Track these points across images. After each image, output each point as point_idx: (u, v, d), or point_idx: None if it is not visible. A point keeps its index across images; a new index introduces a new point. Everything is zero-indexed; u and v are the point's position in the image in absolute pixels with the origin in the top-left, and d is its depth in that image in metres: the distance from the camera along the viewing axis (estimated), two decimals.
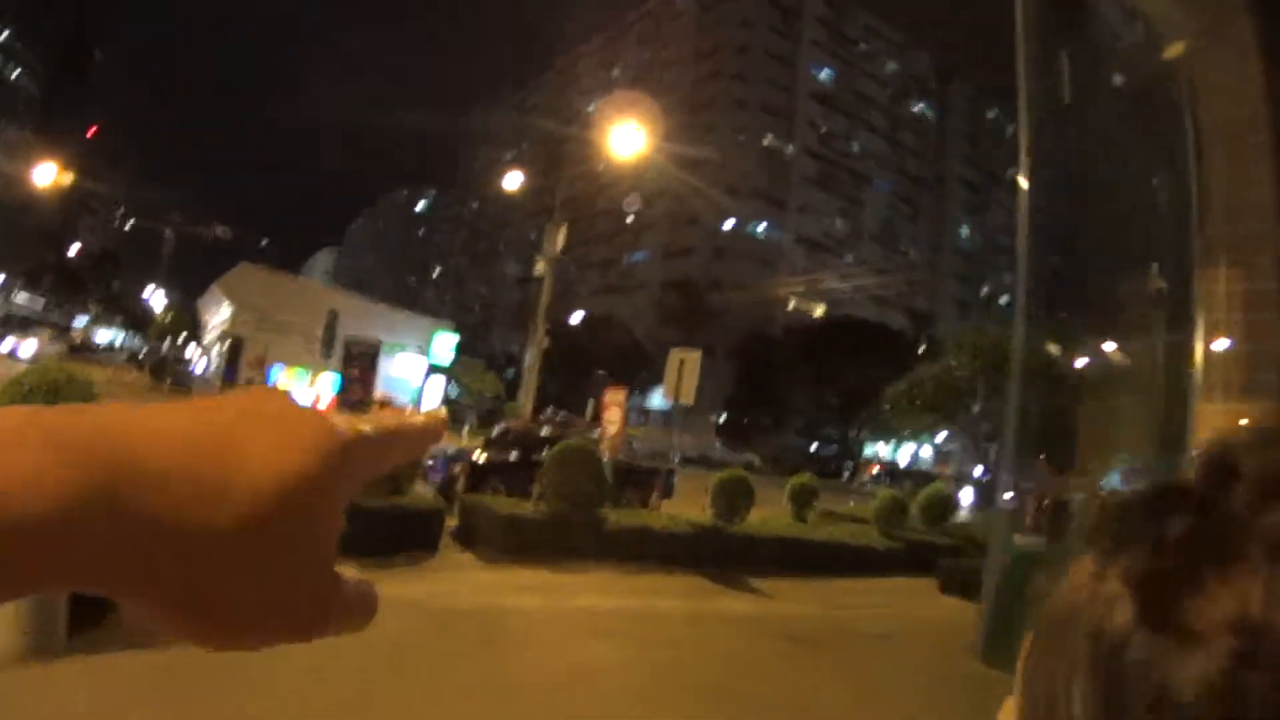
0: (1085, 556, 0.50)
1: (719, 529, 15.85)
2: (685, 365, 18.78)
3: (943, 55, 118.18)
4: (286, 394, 0.43)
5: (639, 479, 19.80)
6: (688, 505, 18.62)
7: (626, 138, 28.93)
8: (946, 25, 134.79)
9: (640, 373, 67.52)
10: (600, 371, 63.04)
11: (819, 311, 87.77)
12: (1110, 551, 0.48)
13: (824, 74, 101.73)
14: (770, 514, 18.56)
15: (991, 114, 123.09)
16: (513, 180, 59.71)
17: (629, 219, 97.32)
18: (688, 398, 18.76)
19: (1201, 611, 0.42)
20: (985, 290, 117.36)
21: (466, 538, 13.71)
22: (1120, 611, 0.45)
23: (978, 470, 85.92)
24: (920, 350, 79.77)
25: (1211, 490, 0.45)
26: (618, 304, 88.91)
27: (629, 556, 13.88)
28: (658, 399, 78.71)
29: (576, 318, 77.80)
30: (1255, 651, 0.40)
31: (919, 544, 19.16)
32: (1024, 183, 9.79)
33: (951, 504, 24.03)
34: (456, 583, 10.99)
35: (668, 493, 20.20)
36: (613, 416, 22.93)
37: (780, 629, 11.08)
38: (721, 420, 78.22)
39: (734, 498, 16.66)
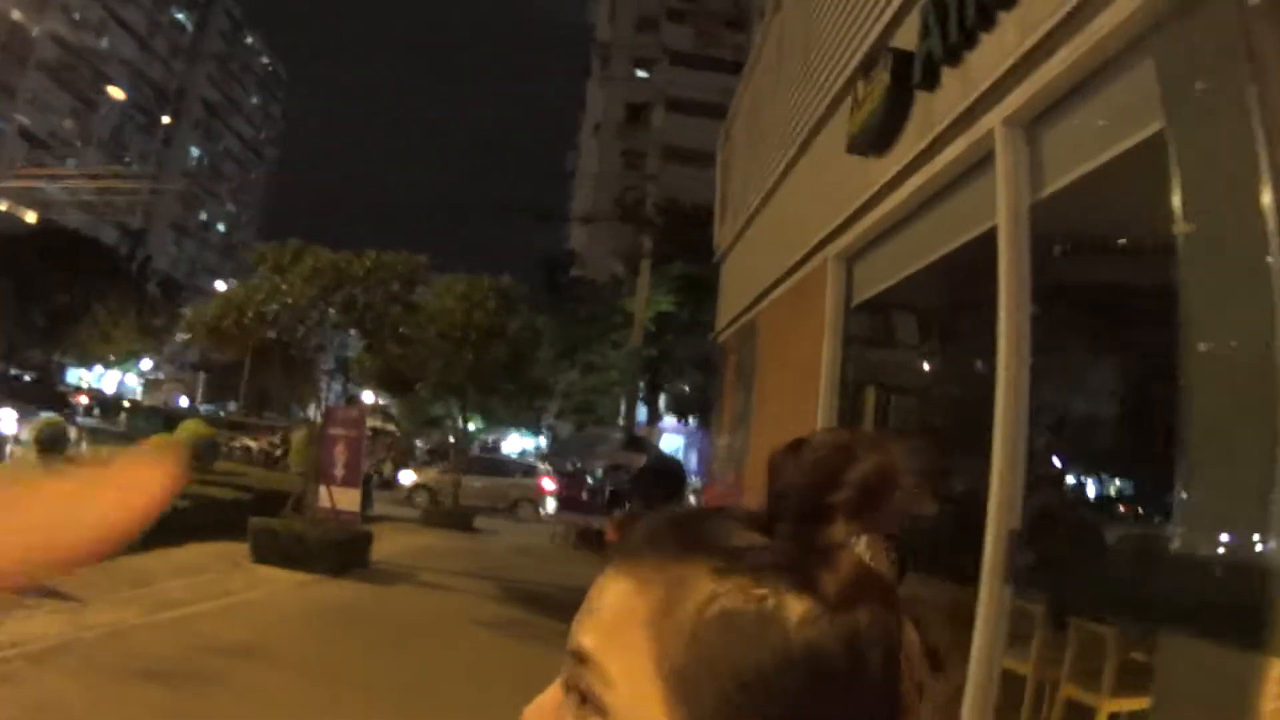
0: (699, 563, 0.64)
1: None
2: None
3: None
4: None
5: None
6: None
7: None
8: None
9: None
10: None
11: (31, 218, 76.68)
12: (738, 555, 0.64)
13: None
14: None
15: (249, 39, 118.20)
16: None
17: None
18: None
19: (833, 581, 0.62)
20: (204, 215, 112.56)
21: None
22: (790, 600, 0.61)
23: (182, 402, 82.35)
24: (136, 266, 73.05)
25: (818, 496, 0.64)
26: None
27: None
28: None
29: None
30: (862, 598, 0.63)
31: (198, 498, 15.42)
32: None
33: (218, 445, 21.15)
34: None
35: None
36: None
37: (124, 661, 7.89)
38: None
39: None
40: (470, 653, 10.97)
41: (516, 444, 56.70)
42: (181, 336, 18.86)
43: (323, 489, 14.91)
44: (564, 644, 0.66)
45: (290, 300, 14.57)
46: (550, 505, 30.06)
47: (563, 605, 14.57)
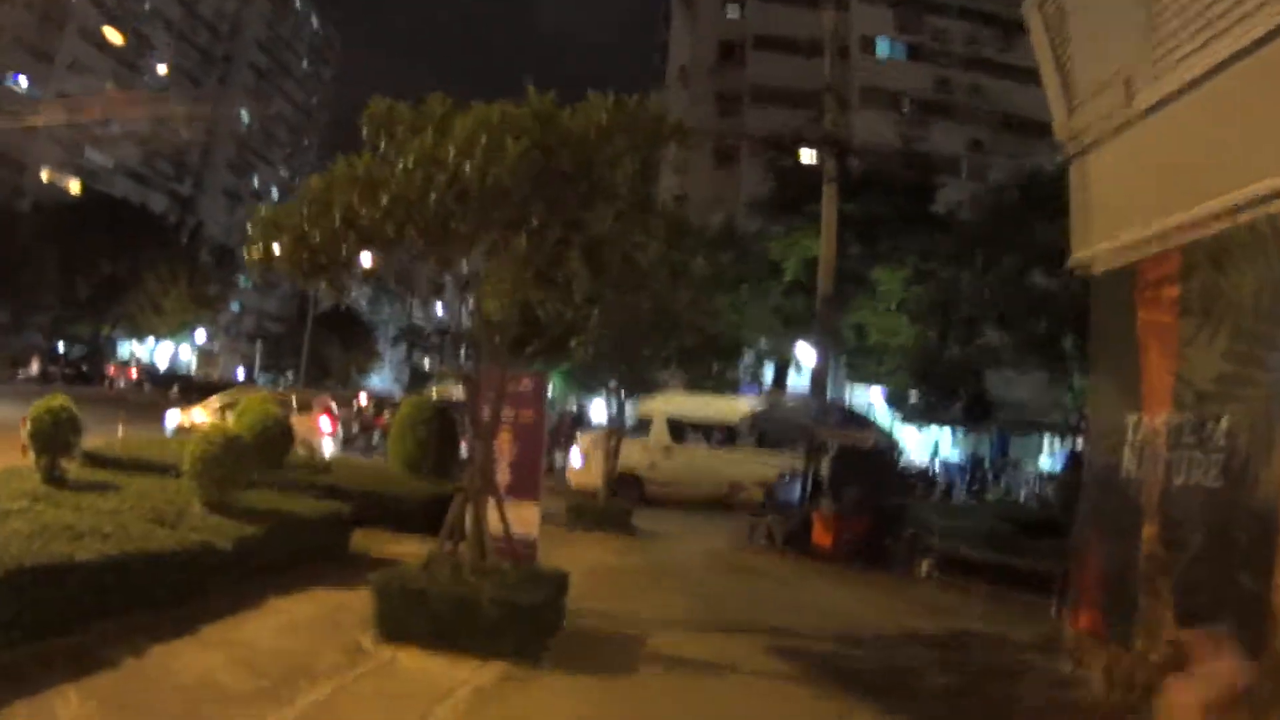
0: None
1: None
2: None
3: None
4: None
5: None
6: None
7: None
8: None
9: None
10: None
11: (76, 188, 71.32)
12: None
13: None
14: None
15: (297, 3, 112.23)
16: None
17: None
18: None
19: None
20: (255, 182, 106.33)
21: None
22: None
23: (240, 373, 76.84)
24: (187, 234, 67.67)
25: None
26: None
27: None
28: None
29: None
30: None
31: (275, 519, 9.55)
32: None
33: (290, 431, 14.55)
34: None
35: None
36: None
37: None
38: None
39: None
40: None
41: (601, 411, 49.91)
42: (250, 255, 9.39)
43: (490, 505, 8.53)
44: None
45: (484, 175, 7.13)
46: (327, 447, 21.48)
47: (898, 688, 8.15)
